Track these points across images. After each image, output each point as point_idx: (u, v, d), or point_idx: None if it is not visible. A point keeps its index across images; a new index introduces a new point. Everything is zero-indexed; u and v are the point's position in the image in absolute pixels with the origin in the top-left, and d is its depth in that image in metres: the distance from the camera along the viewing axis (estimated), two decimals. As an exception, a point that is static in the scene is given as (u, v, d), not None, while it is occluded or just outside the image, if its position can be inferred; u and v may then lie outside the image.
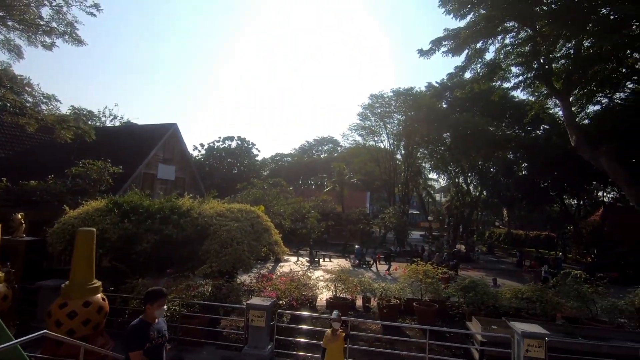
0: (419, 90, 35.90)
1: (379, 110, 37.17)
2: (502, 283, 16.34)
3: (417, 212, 63.06)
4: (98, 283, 6.47)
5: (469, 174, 37.70)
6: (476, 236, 44.07)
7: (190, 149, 44.39)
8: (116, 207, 10.06)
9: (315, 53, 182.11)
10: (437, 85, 34.91)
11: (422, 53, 16.59)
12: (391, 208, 32.50)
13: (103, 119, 36.69)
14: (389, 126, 38.01)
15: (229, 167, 49.39)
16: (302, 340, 7.85)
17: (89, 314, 6.04)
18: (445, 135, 33.82)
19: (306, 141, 70.67)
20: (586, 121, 21.78)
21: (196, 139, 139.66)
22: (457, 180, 39.46)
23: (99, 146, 17.36)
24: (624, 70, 16.55)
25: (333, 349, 5.05)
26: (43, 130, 16.39)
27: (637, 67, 16.27)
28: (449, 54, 16.35)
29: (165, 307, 3.66)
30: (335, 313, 5.20)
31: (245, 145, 50.74)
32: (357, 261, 22.73)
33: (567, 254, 30.63)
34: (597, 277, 10.32)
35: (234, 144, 50.28)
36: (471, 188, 39.52)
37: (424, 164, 43.11)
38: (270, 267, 18.96)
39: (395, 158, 40.57)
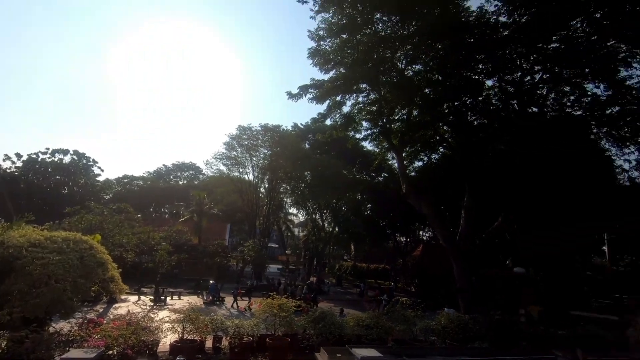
0: (285, 128, 38.03)
1: (246, 142, 37.45)
2: (348, 312, 17.84)
3: (277, 245, 64.23)
4: None
5: (325, 211, 41.06)
6: (327, 269, 47.53)
7: (-1, 158, 34.58)
8: None
9: (184, 79, 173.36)
10: (302, 126, 37.79)
11: (291, 96, 17.85)
12: (251, 241, 32.19)
13: None
14: (254, 159, 38.51)
15: (57, 185, 40.42)
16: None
17: None
18: (306, 173, 36.36)
19: (163, 165, 64.39)
20: (413, 173, 27.05)
21: (10, 147, 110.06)
22: (314, 216, 42.32)
23: None
24: (437, 137, 21.50)
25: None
26: None
27: (446, 136, 21.38)
28: (314, 101, 18.11)
29: None
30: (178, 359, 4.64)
31: (84, 161, 42.87)
32: (211, 297, 21.22)
33: (397, 284, 36.00)
34: (417, 303, 12.43)
35: (67, 159, 41.79)
36: (326, 224, 42.98)
37: (285, 199, 44.83)
38: (102, 310, 15.79)
39: (258, 191, 40.96)
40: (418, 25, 16.00)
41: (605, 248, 28.74)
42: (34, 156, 40.01)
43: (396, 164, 21.63)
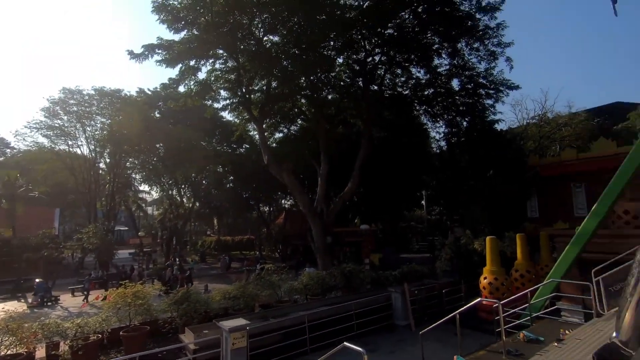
0: (128, 94, 32.80)
1: (76, 109, 30.74)
2: (213, 287, 17.54)
3: (126, 228, 56.78)
4: None
5: (183, 186, 38.21)
6: (189, 247, 45.14)
7: None
8: None
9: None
10: (150, 92, 33.22)
11: (134, 56, 15.42)
12: (91, 226, 27.35)
13: None
14: (89, 129, 32.13)
15: None
16: None
17: None
18: (159, 145, 32.64)
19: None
20: (274, 145, 27.65)
21: None
22: (171, 192, 38.92)
23: None
24: (296, 110, 22.40)
25: None
26: None
27: (303, 109, 22.46)
28: (163, 64, 16.09)
29: None
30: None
31: None
32: (39, 299, 17.43)
33: (262, 252, 37.20)
34: (282, 267, 13.22)
35: None
36: (184, 200, 40.18)
37: (134, 175, 39.56)
38: None
39: (97, 167, 34.70)
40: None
41: (423, 202, 36.36)
42: None
43: (257, 135, 21.64)
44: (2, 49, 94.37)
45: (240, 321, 7.19)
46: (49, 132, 31.51)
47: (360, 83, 19.77)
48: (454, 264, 15.77)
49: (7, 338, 7.77)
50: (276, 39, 18.09)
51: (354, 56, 19.36)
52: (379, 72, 20.02)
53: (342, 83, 20.30)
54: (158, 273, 21.88)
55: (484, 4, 17.62)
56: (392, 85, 21.19)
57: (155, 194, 46.72)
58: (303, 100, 21.44)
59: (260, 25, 17.42)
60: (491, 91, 19.75)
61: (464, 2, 17.74)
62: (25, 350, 8.05)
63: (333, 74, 19.58)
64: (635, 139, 12.54)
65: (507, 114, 56.31)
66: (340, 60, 19.70)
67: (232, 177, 35.27)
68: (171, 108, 29.42)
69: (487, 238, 12.19)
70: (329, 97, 21.25)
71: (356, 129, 24.09)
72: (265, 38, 17.81)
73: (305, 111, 22.55)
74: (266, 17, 16.71)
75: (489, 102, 20.23)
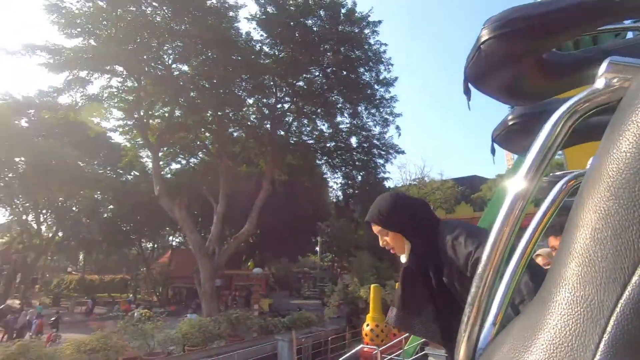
0: (-12, 94, 27.03)
1: None
2: (66, 338, 14.35)
3: (-54, 259, 43.56)
4: None
5: (44, 211, 31.86)
6: (40, 286, 36.75)
7: None
8: None
9: None
10: (20, 98, 27.98)
11: (11, 53, 13.14)
12: None
13: None
14: None
15: None
16: None
17: None
18: (18, 159, 27.04)
19: None
20: (169, 176, 25.63)
21: None
22: (25, 217, 31.90)
23: None
24: (198, 142, 21.51)
25: None
26: None
27: (207, 142, 21.70)
28: (46, 68, 14.00)
29: None
30: None
31: None
32: None
33: (137, 295, 32.49)
34: (159, 313, 11.70)
35: None
36: (43, 228, 33.31)
37: (-27, 192, 31.50)
38: None
39: None
40: (191, 25, 15.66)
41: (317, 248, 37.42)
42: None
43: (151, 164, 19.85)
44: None
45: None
46: None
47: (268, 126, 20.30)
48: (341, 310, 16.27)
49: None
50: (186, 68, 17.62)
51: (264, 100, 20.01)
52: (287, 119, 20.95)
53: (249, 123, 20.54)
54: (2, 318, 17.01)
55: (381, 77, 20.51)
56: (298, 133, 22.31)
57: (2, 218, 37.70)
58: (207, 134, 20.82)
59: (170, 52, 16.83)
60: (383, 152, 22.40)
61: (365, 73, 20.37)
62: None
63: (241, 113, 19.73)
64: (485, 206, 15.47)
65: (394, 174, 64.18)
66: (251, 101, 20.09)
67: (111, 206, 30.99)
68: (45, 119, 25.14)
69: (372, 286, 13.03)
70: (235, 134, 21.14)
71: (259, 170, 24.22)
72: (174, 65, 17.18)
73: (209, 145, 21.84)
74: (178, 46, 16.28)
75: (381, 161, 22.85)
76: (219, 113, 18.02)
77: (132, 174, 31.28)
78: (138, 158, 24.74)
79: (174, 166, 24.89)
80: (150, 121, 18.05)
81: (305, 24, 18.42)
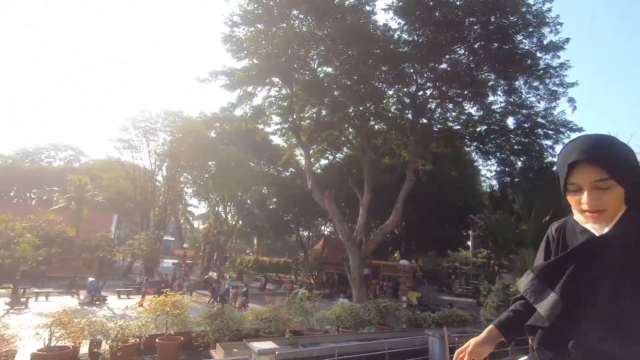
0: (189, 115, 35.58)
1: (144, 124, 33.80)
2: (251, 306, 17.67)
3: (173, 238, 59.72)
4: None
5: (228, 204, 39.77)
6: (228, 263, 46.23)
7: None
8: None
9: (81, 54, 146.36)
10: (209, 115, 35.80)
11: (200, 80, 16.83)
12: (143, 233, 29.18)
13: None
14: (152, 144, 35.02)
15: None
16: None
17: None
18: (210, 163, 34.63)
19: (31, 143, 53.87)
20: (319, 171, 28.11)
21: None
22: (217, 208, 40.65)
23: None
24: (343, 138, 22.77)
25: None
26: None
27: (350, 137, 22.77)
28: (225, 88, 17.36)
29: None
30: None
31: None
32: (90, 298, 18.68)
33: (297, 276, 37.05)
34: (316, 295, 13.04)
35: None
36: (229, 217, 41.64)
37: (186, 189, 41.99)
38: None
39: (155, 179, 37.41)
40: (332, 29, 16.65)
41: (469, 242, 34.40)
42: None
43: (303, 160, 22.19)
44: (83, 68, 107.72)
45: (269, 344, 7.16)
46: (118, 144, 34.84)
47: (410, 115, 19.72)
48: (500, 313, 14.54)
49: (58, 330, 8.37)
50: (329, 69, 18.82)
51: (405, 89, 19.49)
52: (429, 105, 19.89)
53: (390, 114, 20.39)
54: (208, 286, 22.34)
55: (545, 42, 17.05)
56: (442, 119, 20.89)
57: (202, 209, 49.06)
58: (351, 129, 21.79)
59: (315, 57, 18.30)
60: (550, 132, 18.65)
61: (524, 40, 17.33)
62: (72, 344, 8.59)
63: (382, 105, 19.79)
64: None
65: (568, 157, 52.57)
66: (391, 92, 19.90)
67: (275, 199, 36.13)
68: (226, 129, 31.37)
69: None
70: (377, 127, 21.39)
71: (402, 160, 23.82)
72: (319, 69, 18.62)
73: (352, 140, 22.84)
74: (322, 50, 17.54)
75: (548, 142, 19.07)
76: (360, 108, 18.61)
77: (289, 170, 35.65)
78: (293, 156, 28.07)
79: (323, 162, 27.12)
80: (302, 122, 20.13)
81: (446, 0, 16.98)
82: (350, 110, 18.85)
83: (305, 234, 42.84)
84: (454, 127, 20.72)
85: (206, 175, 36.16)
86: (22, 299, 17.34)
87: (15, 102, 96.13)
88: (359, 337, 11.44)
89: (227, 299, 18.05)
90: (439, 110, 20.30)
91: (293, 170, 34.30)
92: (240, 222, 39.93)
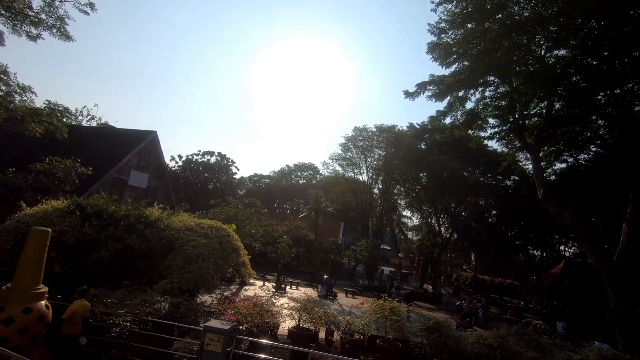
0: (400, 129, 37.16)
1: (361, 144, 38.00)
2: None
3: (389, 247, 63.34)
4: (44, 289, 5.97)
5: (442, 216, 38.58)
6: (443, 277, 44.49)
7: (167, 159, 43.46)
8: (78, 209, 9.53)
9: (305, 85, 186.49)
10: (417, 126, 36.27)
11: (408, 95, 17.30)
12: (364, 241, 32.49)
13: (80, 118, 35.48)
14: (369, 160, 38.77)
15: (205, 182, 48.43)
16: (259, 370, 7.44)
17: (28, 321, 5.53)
18: (422, 175, 34.79)
19: (286, 165, 71.09)
20: (553, 177, 23.02)
21: (175, 150, 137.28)
22: (429, 220, 40.22)
23: (70, 145, 16.67)
24: (588, 134, 17.79)
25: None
26: (11, 122, 15.61)
27: (600, 132, 17.53)
28: (433, 99, 17.12)
29: None
30: None
31: (225, 162, 50.18)
32: (325, 292, 22.28)
33: (528, 304, 31.28)
34: (552, 330, 10.52)
35: (213, 160, 49.65)
36: (442, 229, 40.30)
37: (399, 201, 43.86)
38: (235, 290, 18.22)
39: (372, 192, 41.09)
40: (565, 2, 13.52)
41: None
42: (190, 157, 48.88)
43: (530, 166, 18.73)
44: (316, 104, 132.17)
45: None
46: (342, 163, 40.67)
47: None
48: None
49: (304, 314, 10.37)
50: (562, 52, 15.29)
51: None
52: None
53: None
54: (458, 307, 21.94)
55: None
56: None
57: (415, 220, 49.76)
58: (600, 122, 16.79)
59: (542, 42, 15.34)
60: None
61: None
62: (314, 328, 10.42)
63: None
64: None
65: None
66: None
67: (495, 212, 32.23)
68: (436, 140, 30.75)
69: None
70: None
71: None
72: (547, 55, 15.47)
73: (604, 134, 17.47)
74: (552, 31, 14.52)
75: None
76: (616, 91, 14.08)
77: (511, 178, 31.08)
78: (516, 162, 24.27)
79: (559, 165, 22.05)
80: (526, 121, 17.19)
81: None
82: (599, 97, 14.58)
83: (537, 253, 35.80)
84: None
85: (418, 187, 36.60)
86: (282, 285, 22.72)
87: (269, 135, 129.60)
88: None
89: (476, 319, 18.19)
90: None
91: (516, 178, 29.72)
92: (455, 236, 37.87)
